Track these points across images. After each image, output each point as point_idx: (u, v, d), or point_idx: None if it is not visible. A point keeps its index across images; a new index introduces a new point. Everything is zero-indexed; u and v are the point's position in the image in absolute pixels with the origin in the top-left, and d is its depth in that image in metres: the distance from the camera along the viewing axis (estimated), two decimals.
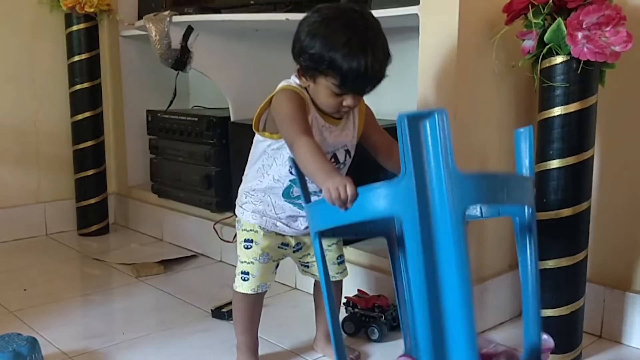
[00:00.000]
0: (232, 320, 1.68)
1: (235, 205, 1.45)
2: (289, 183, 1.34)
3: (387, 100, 2.01)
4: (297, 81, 1.30)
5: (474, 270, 1.53)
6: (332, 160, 1.34)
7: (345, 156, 1.37)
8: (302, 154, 1.17)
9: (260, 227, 1.38)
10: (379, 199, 1.00)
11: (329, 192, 1.05)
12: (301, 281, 1.91)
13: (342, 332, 1.59)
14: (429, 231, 0.96)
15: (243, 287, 1.40)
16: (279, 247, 1.41)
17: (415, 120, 0.95)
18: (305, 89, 1.29)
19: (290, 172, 1.32)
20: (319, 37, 1.20)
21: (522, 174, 1.13)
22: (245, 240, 1.39)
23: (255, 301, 1.43)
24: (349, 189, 1.04)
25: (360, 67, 1.18)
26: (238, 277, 1.41)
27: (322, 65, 1.20)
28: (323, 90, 1.25)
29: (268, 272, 1.41)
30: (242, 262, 1.40)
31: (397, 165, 1.00)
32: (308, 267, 1.48)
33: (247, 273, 1.39)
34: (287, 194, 1.36)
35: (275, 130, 1.31)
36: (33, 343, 1.39)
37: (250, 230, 1.39)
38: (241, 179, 1.44)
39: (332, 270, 1.45)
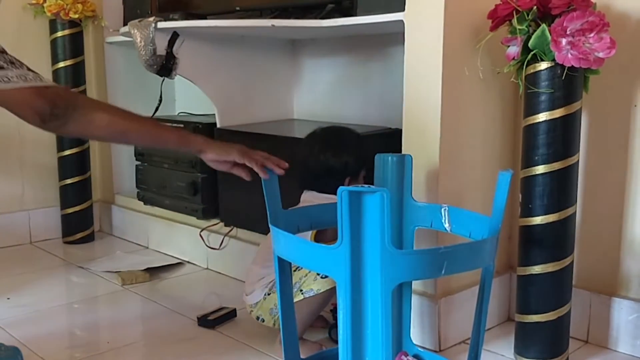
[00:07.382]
0: (219, 328, 1.67)
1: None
2: None
3: (372, 107, 2.02)
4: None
5: (462, 276, 1.54)
6: None
7: None
8: None
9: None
10: (320, 257, 1.08)
11: None
12: None
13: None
14: (359, 297, 1.04)
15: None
16: None
17: (356, 195, 1.00)
18: None
19: None
20: (350, 151, 1.56)
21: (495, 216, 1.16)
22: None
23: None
24: None
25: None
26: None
27: (362, 162, 1.56)
28: (361, 179, 1.58)
29: None
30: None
31: None
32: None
33: None
34: None
35: None
36: (16, 353, 1.37)
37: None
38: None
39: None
